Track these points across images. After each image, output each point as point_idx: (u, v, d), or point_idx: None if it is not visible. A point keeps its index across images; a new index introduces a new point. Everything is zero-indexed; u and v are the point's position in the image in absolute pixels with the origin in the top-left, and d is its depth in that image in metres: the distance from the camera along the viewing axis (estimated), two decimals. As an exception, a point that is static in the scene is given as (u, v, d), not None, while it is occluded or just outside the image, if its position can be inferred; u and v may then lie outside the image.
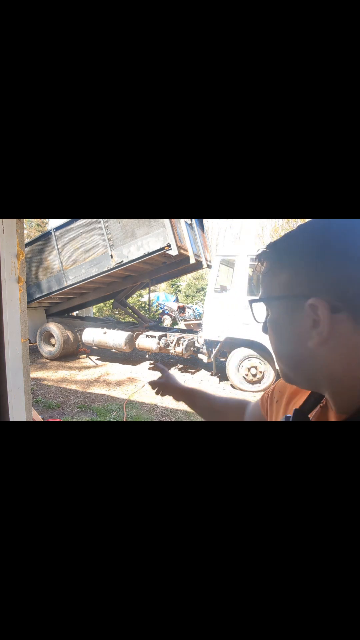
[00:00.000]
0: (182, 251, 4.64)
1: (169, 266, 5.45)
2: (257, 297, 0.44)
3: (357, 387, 0.36)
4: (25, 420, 0.82)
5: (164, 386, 0.81)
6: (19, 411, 0.80)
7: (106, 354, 6.28)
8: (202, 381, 5.02)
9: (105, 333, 5.66)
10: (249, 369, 4.58)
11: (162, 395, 0.79)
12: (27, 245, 5.54)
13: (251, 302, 0.48)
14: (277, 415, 0.55)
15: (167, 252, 4.53)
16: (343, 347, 0.35)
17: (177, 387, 0.79)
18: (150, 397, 4.33)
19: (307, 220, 0.42)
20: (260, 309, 0.47)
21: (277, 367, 0.48)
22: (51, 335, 6.00)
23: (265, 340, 4.39)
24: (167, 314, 10.24)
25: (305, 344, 0.37)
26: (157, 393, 0.80)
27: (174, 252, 4.49)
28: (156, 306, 10.98)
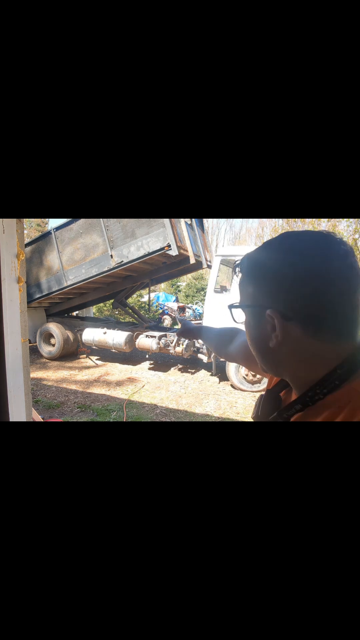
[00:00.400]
0: (182, 251, 4.64)
1: (169, 266, 5.44)
2: (235, 303, 0.54)
3: (307, 376, 0.46)
4: (25, 420, 0.82)
5: (185, 333, 1.02)
6: (19, 411, 0.80)
7: (106, 354, 6.28)
8: (202, 381, 5.02)
9: (105, 333, 5.66)
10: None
11: (188, 339, 0.98)
12: (27, 245, 5.54)
13: (230, 307, 0.57)
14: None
15: (167, 252, 4.53)
16: (295, 347, 0.45)
17: (192, 331, 1.02)
18: (150, 397, 4.33)
19: (306, 219, 0.44)
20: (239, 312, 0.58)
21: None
22: (51, 335, 6.00)
23: (240, 323, 4.38)
24: (167, 314, 10.24)
25: (267, 343, 0.47)
26: (187, 339, 0.98)
27: (174, 252, 4.49)
28: (156, 306, 10.98)
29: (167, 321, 9.95)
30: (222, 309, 4.72)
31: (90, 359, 6.12)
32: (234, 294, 4.65)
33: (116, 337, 5.53)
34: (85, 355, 6.26)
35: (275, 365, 0.49)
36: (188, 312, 10.47)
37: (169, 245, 4.49)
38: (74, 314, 7.42)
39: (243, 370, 4.61)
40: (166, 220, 4.46)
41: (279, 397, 0.54)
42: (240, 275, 0.51)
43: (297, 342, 0.44)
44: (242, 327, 0.54)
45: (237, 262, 0.51)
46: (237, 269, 0.51)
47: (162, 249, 4.54)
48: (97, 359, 6.11)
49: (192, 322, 1.04)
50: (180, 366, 5.73)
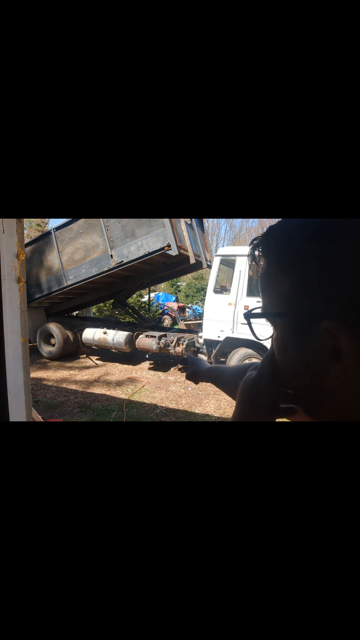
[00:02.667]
0: (182, 251, 4.64)
1: (169, 266, 5.44)
2: (253, 308, 0.36)
3: None
4: (25, 420, 0.82)
5: (194, 376, 0.78)
6: (19, 411, 0.80)
7: (106, 354, 6.28)
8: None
9: (105, 333, 5.66)
10: (249, 369, 4.58)
11: (196, 383, 0.77)
12: (27, 245, 5.54)
13: (248, 316, 0.37)
14: None
15: (167, 252, 4.53)
16: None
17: (202, 373, 0.76)
18: (150, 397, 4.33)
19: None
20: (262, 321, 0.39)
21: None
22: (51, 335, 6.00)
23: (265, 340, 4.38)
24: (167, 314, 10.24)
25: (323, 382, 0.28)
26: (195, 383, 0.79)
27: (174, 252, 4.49)
28: (156, 306, 10.98)
29: (167, 321, 9.95)
30: (222, 308, 4.74)
31: (90, 359, 6.12)
32: (234, 294, 4.66)
33: (116, 337, 5.53)
34: (85, 355, 6.26)
35: (329, 414, 0.30)
36: (188, 312, 10.47)
37: (169, 245, 4.49)
38: (74, 314, 7.42)
39: (243, 370, 4.61)
40: (166, 220, 4.47)
41: None
42: (263, 262, 0.33)
43: None
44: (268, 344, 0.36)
45: (257, 242, 0.34)
46: (258, 252, 0.34)
47: (162, 249, 4.55)
48: (97, 359, 6.11)
49: (203, 360, 0.79)
50: (180, 366, 5.73)
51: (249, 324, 0.38)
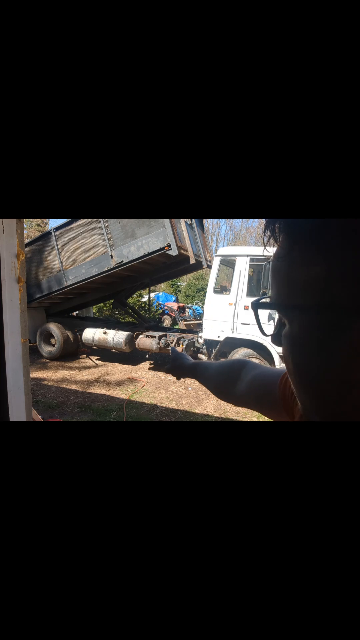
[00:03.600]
0: (182, 251, 4.64)
1: (169, 266, 5.44)
2: (261, 297, 0.31)
3: None
4: (25, 420, 0.82)
5: (175, 370, 0.73)
6: (19, 411, 0.80)
7: (106, 354, 6.28)
8: (202, 381, 5.02)
9: (105, 333, 5.66)
10: (248, 369, 4.58)
11: (178, 379, 0.74)
12: (27, 245, 5.54)
13: (256, 306, 0.32)
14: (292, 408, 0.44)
15: (167, 252, 4.53)
16: None
17: (185, 368, 0.71)
18: (150, 397, 4.33)
19: None
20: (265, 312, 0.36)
21: (298, 398, 0.33)
22: (51, 335, 6.00)
23: (265, 340, 4.40)
24: (167, 314, 10.24)
25: (348, 376, 0.25)
26: (177, 378, 0.75)
27: (174, 252, 4.49)
28: (156, 306, 10.98)
29: (167, 321, 9.95)
30: (222, 308, 4.74)
31: (90, 359, 6.12)
32: (234, 294, 4.65)
33: (116, 337, 5.53)
34: (85, 355, 6.26)
35: (356, 403, 0.27)
36: (188, 312, 10.47)
37: (169, 245, 4.49)
38: (74, 314, 7.42)
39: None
40: (166, 220, 4.47)
41: None
42: (281, 242, 0.29)
43: None
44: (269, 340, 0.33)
45: (269, 221, 0.30)
46: (277, 226, 0.29)
47: (162, 249, 4.55)
48: (97, 359, 6.11)
49: (186, 355, 0.75)
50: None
51: (257, 315, 0.34)
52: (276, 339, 0.33)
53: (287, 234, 0.29)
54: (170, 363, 0.75)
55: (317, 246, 0.26)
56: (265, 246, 0.33)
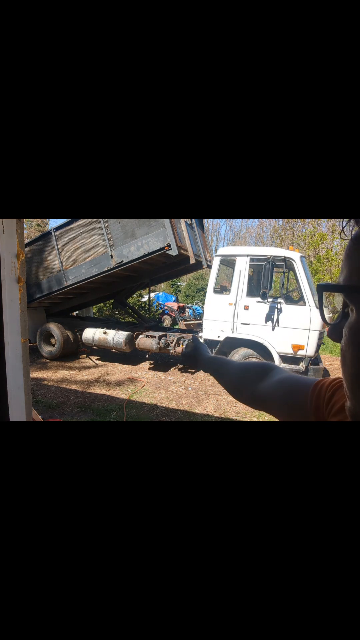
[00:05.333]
0: (182, 251, 4.64)
1: (169, 266, 5.44)
2: (342, 283, 0.29)
3: None
4: (25, 420, 0.82)
5: (192, 359, 0.71)
6: (19, 411, 0.80)
7: (106, 354, 6.28)
8: (202, 381, 5.02)
9: (105, 333, 5.66)
10: (248, 369, 4.57)
11: (193, 368, 0.71)
12: (27, 245, 5.53)
13: (322, 288, 0.31)
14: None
15: (167, 252, 4.53)
16: None
17: (203, 360, 0.69)
18: (150, 397, 4.33)
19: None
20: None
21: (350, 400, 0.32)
22: (51, 335, 6.00)
23: (265, 340, 4.40)
24: (167, 314, 10.24)
25: None
26: (192, 368, 0.71)
27: (174, 252, 4.48)
28: (156, 306, 10.98)
29: (167, 321, 9.94)
30: (222, 308, 4.73)
31: (90, 359, 6.12)
32: (234, 294, 4.65)
33: (116, 337, 5.53)
34: (85, 355, 6.26)
35: None
36: (188, 312, 10.47)
37: (169, 245, 4.49)
38: (74, 314, 7.42)
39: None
40: (166, 220, 4.46)
41: None
42: None
43: None
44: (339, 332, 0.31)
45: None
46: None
47: (162, 249, 4.54)
48: (97, 359, 6.11)
49: (206, 347, 0.71)
50: (180, 366, 5.73)
51: (320, 299, 0.33)
52: (334, 330, 0.32)
53: None
54: (189, 350, 0.71)
55: None
56: (342, 231, 0.32)
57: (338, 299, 0.30)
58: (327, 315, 0.34)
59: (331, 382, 0.45)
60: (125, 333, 5.53)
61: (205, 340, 5.06)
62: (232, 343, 4.72)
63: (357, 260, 0.28)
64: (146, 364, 5.90)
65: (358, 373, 0.29)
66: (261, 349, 4.46)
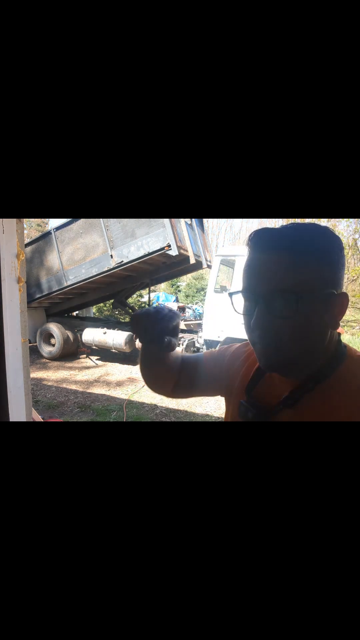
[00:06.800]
0: (182, 251, 4.64)
1: (169, 266, 5.44)
2: (292, 292, 0.44)
3: (323, 354, 0.47)
4: (25, 420, 0.82)
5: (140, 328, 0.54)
6: (19, 411, 0.80)
7: (106, 354, 6.28)
8: (202, 381, 5.01)
9: (105, 333, 5.66)
10: (248, 369, 4.58)
11: (140, 341, 0.58)
12: (27, 245, 5.53)
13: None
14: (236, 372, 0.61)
15: (167, 252, 4.53)
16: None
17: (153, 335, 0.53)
18: (150, 397, 4.33)
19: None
20: (239, 300, 0.50)
21: (270, 358, 0.47)
22: (51, 335, 5.99)
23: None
24: (167, 313, 10.20)
25: (327, 330, 0.45)
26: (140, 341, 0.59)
27: (174, 252, 4.48)
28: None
29: (167, 321, 9.90)
30: (222, 308, 4.73)
31: (90, 359, 6.12)
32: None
33: (116, 337, 5.53)
34: (85, 355, 6.26)
35: (314, 353, 0.46)
36: (188, 312, 10.47)
37: (169, 245, 4.49)
38: (74, 314, 7.42)
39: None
40: (166, 220, 4.46)
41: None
42: (285, 249, 0.44)
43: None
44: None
45: (273, 232, 0.45)
46: (281, 242, 0.44)
47: (162, 249, 4.54)
48: (97, 359, 6.11)
49: (173, 310, 0.54)
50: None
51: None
52: (252, 320, 0.48)
53: (290, 245, 0.44)
54: (139, 313, 0.53)
55: (317, 261, 0.44)
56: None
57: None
58: (237, 308, 0.52)
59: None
60: (125, 333, 5.52)
61: (205, 340, 5.06)
62: (232, 343, 4.72)
63: (288, 270, 0.44)
64: (146, 364, 5.89)
65: (293, 343, 0.45)
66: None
